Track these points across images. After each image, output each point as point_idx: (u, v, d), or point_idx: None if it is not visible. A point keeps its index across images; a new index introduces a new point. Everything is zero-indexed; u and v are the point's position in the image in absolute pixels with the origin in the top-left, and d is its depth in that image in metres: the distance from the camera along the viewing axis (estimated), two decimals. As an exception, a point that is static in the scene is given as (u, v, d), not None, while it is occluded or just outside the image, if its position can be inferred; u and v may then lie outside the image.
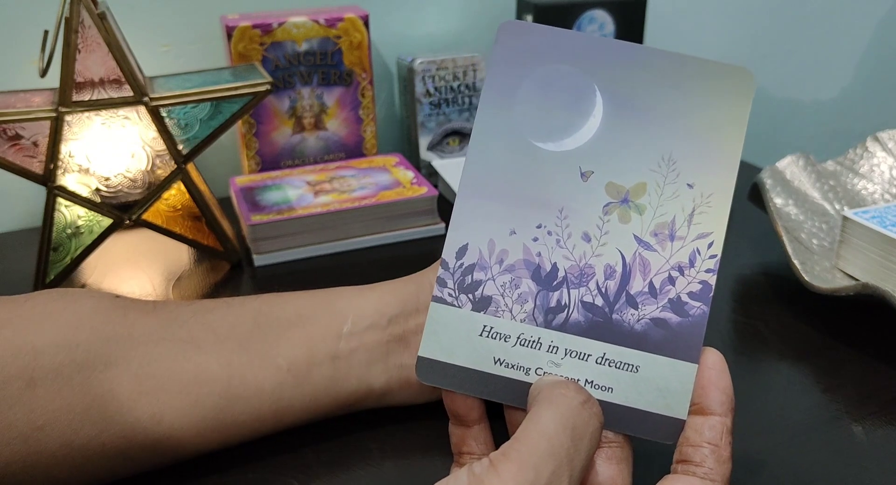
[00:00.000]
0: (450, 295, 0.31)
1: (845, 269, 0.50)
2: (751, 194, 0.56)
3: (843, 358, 0.44)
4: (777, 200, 0.54)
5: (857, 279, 0.49)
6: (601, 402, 0.30)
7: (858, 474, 0.36)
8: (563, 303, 0.30)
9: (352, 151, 0.69)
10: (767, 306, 0.50)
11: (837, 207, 0.56)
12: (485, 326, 0.31)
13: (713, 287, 0.30)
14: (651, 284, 0.30)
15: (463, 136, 0.71)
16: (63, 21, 0.47)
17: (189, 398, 0.33)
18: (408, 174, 0.63)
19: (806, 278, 0.47)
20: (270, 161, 0.67)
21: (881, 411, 0.40)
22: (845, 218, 0.50)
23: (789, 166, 0.57)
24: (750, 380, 0.42)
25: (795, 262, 0.48)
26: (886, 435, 0.38)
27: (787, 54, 0.94)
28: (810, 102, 0.99)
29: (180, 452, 0.34)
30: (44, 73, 0.48)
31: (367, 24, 0.65)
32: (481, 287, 0.31)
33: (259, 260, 0.56)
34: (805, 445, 0.37)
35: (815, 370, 0.43)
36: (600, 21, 0.71)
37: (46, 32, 0.51)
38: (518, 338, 0.30)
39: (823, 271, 0.50)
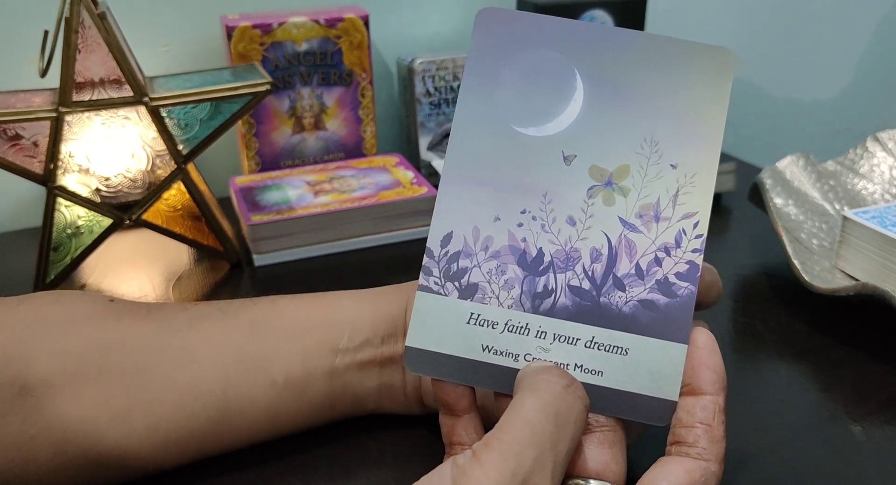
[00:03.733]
0: (436, 283, 0.31)
1: (845, 269, 0.50)
2: (751, 194, 0.56)
3: (842, 358, 0.44)
4: (777, 200, 0.54)
5: (856, 279, 0.49)
6: (591, 386, 0.29)
7: (857, 473, 0.35)
8: (549, 288, 0.30)
9: (352, 151, 0.69)
10: (767, 306, 0.49)
11: (837, 207, 0.56)
12: (472, 314, 0.30)
13: (700, 267, 0.30)
14: (638, 265, 0.30)
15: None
16: (63, 21, 0.47)
17: (185, 410, 0.33)
18: (408, 174, 0.63)
19: (806, 278, 0.47)
20: (270, 161, 0.67)
21: (880, 410, 0.40)
22: (845, 218, 0.50)
23: (789, 166, 0.57)
24: (749, 379, 0.42)
25: (795, 262, 0.48)
26: (885, 435, 0.38)
27: (787, 54, 0.94)
28: (810, 102, 0.99)
29: (178, 459, 0.34)
30: (44, 73, 0.48)
31: (367, 24, 0.65)
32: (467, 274, 0.31)
33: (259, 260, 0.56)
34: (803, 444, 0.37)
35: (814, 370, 0.43)
36: (600, 21, 0.71)
37: (46, 32, 0.51)
38: (506, 324, 0.30)
39: (823, 271, 0.50)
